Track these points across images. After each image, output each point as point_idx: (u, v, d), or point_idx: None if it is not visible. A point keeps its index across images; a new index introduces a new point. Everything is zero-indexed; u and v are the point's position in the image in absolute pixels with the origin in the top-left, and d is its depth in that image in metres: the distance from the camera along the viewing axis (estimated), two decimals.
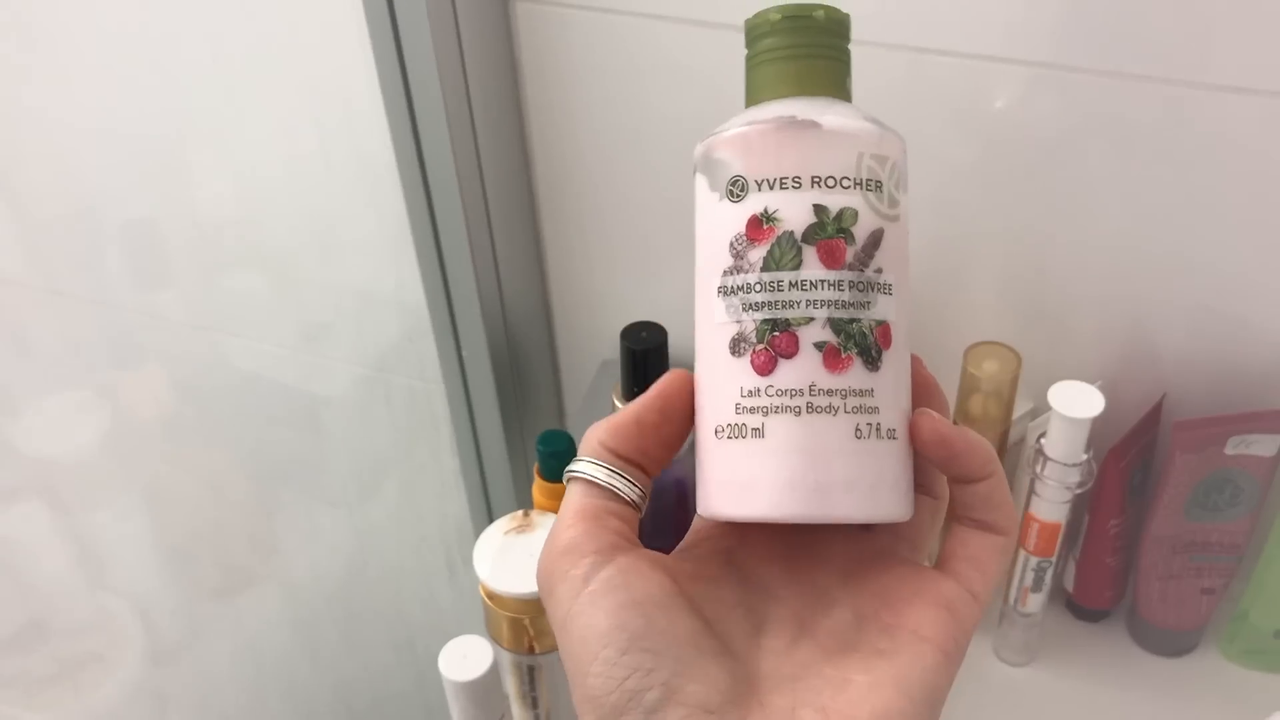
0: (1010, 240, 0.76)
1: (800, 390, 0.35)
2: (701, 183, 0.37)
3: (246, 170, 0.96)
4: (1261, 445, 0.72)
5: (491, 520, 0.71)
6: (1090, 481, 0.72)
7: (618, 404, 0.71)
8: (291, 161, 0.91)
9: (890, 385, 0.35)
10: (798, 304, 0.35)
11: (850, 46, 0.38)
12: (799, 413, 0.35)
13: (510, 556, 0.66)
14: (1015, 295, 0.78)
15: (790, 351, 0.35)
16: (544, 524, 0.68)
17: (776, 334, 0.35)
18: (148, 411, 1.22)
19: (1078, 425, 0.70)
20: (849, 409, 0.35)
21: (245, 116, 0.91)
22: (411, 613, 1.25)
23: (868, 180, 0.35)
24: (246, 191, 0.98)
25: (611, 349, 0.93)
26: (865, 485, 0.35)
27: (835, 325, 0.35)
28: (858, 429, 0.35)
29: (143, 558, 1.35)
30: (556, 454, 0.70)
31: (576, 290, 0.93)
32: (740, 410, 0.35)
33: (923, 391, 0.37)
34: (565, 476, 0.37)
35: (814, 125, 0.35)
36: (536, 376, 0.96)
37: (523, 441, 0.97)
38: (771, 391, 0.35)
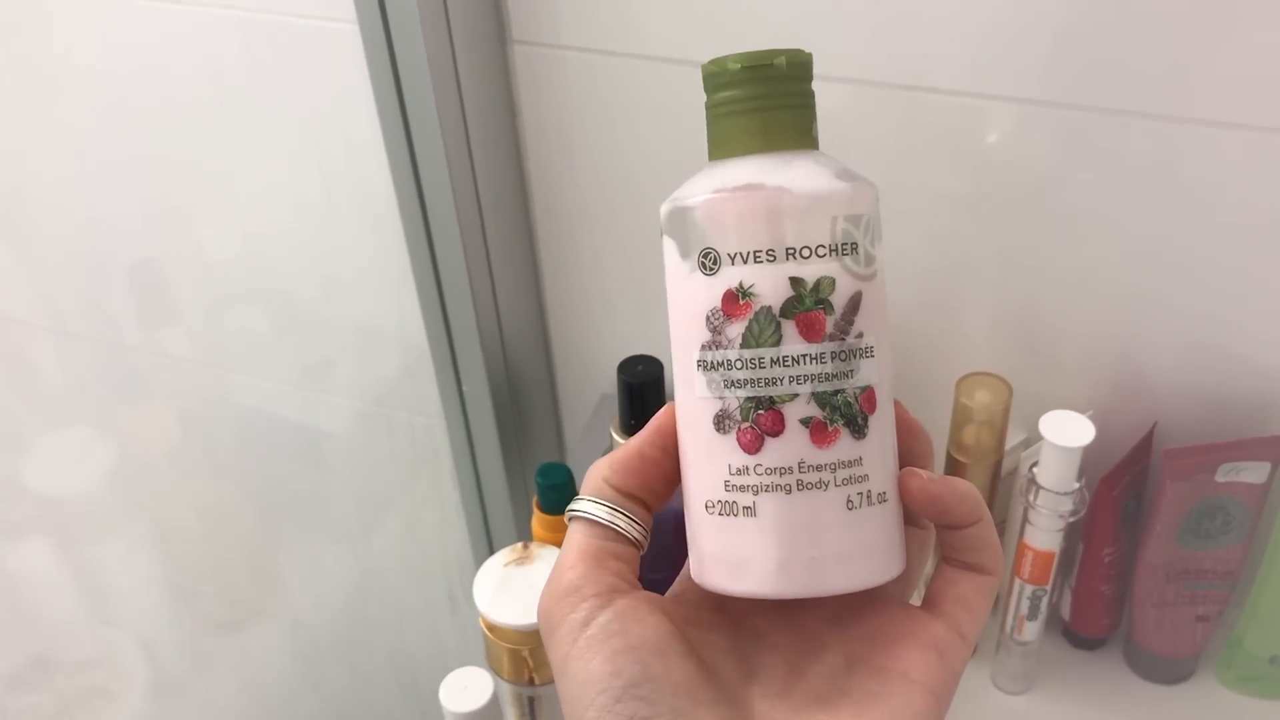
0: (1002, 273, 0.77)
1: (789, 468, 0.34)
2: (670, 247, 0.36)
3: (250, 210, 0.97)
4: (1251, 473, 0.72)
5: (492, 553, 0.71)
6: (1083, 510, 0.73)
7: (616, 437, 0.72)
8: (294, 201, 0.93)
9: (878, 448, 0.35)
10: (780, 380, 0.34)
11: (813, 86, 0.36)
12: (789, 490, 0.34)
13: (510, 588, 0.67)
14: (1007, 327, 0.79)
15: (776, 430, 0.34)
16: (544, 556, 0.69)
17: (761, 412, 0.34)
18: (153, 447, 1.23)
19: (1069, 454, 0.71)
20: (839, 481, 0.34)
21: (249, 157, 0.93)
22: (413, 645, 1.25)
23: (843, 245, 0.34)
24: (250, 230, 0.99)
25: (610, 382, 0.94)
26: (859, 555, 0.35)
27: (820, 399, 0.34)
28: (849, 500, 0.34)
29: (148, 592, 1.35)
30: (556, 486, 0.71)
31: (575, 325, 0.94)
32: (730, 488, 0.35)
33: (905, 434, 0.37)
34: (567, 516, 0.38)
35: (784, 192, 0.34)
36: (536, 410, 0.97)
37: (523, 475, 0.98)
38: (760, 470, 0.34)
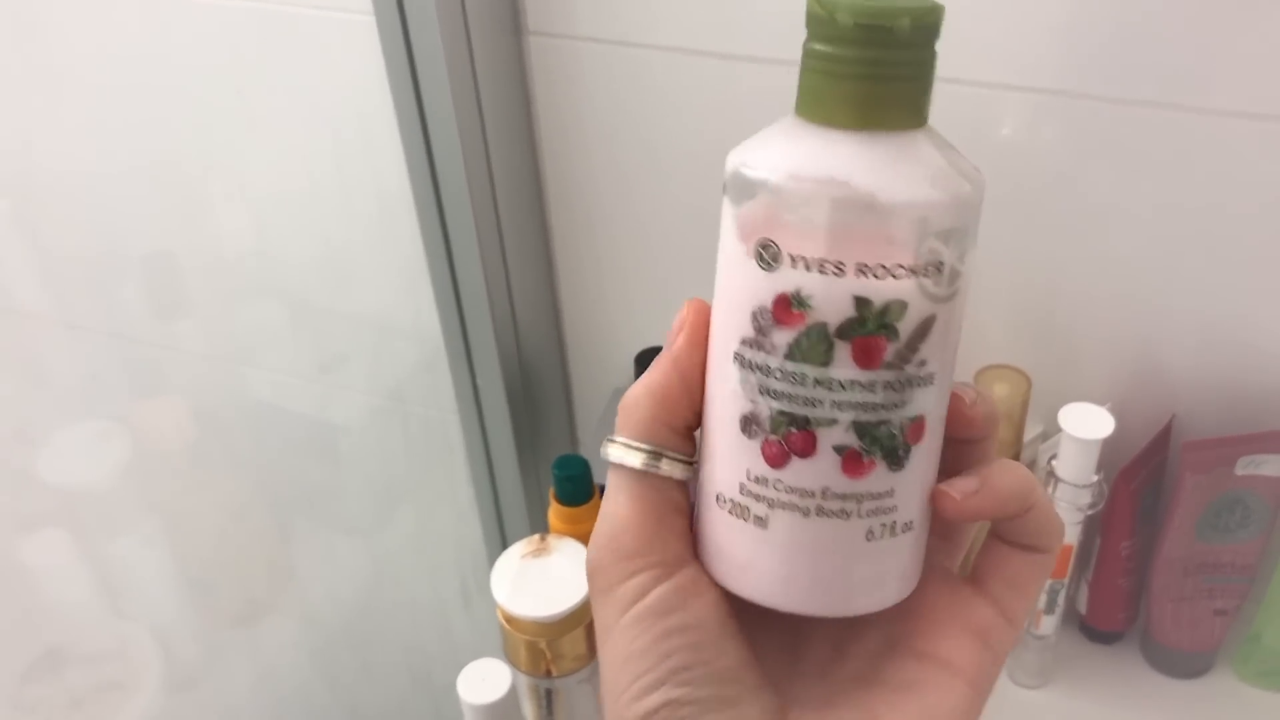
0: (1019, 264, 0.77)
1: (812, 492, 0.31)
2: (728, 216, 0.31)
3: (265, 202, 0.97)
4: (1271, 466, 0.72)
5: (505, 546, 0.71)
6: (1101, 503, 0.73)
7: None
8: (309, 194, 0.93)
9: (915, 478, 0.32)
10: (821, 403, 0.30)
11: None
12: (807, 514, 0.31)
13: (527, 580, 0.66)
14: (1025, 319, 0.78)
15: (806, 452, 0.31)
16: (561, 548, 0.68)
17: (794, 431, 0.31)
18: (167, 441, 1.23)
19: (1088, 446, 0.71)
20: (864, 513, 0.31)
21: (263, 149, 0.93)
22: (427, 640, 1.25)
23: (927, 265, 0.29)
24: (265, 223, 0.99)
25: (624, 376, 0.94)
26: (871, 583, 0.33)
27: (860, 429, 0.30)
28: (870, 531, 0.32)
29: (161, 586, 1.35)
30: (572, 478, 0.71)
31: (589, 318, 0.94)
32: (745, 493, 0.32)
33: (965, 427, 0.33)
34: (612, 458, 0.34)
35: (870, 199, 0.29)
36: (550, 405, 0.97)
37: (536, 469, 0.98)
38: (780, 486, 0.31)
